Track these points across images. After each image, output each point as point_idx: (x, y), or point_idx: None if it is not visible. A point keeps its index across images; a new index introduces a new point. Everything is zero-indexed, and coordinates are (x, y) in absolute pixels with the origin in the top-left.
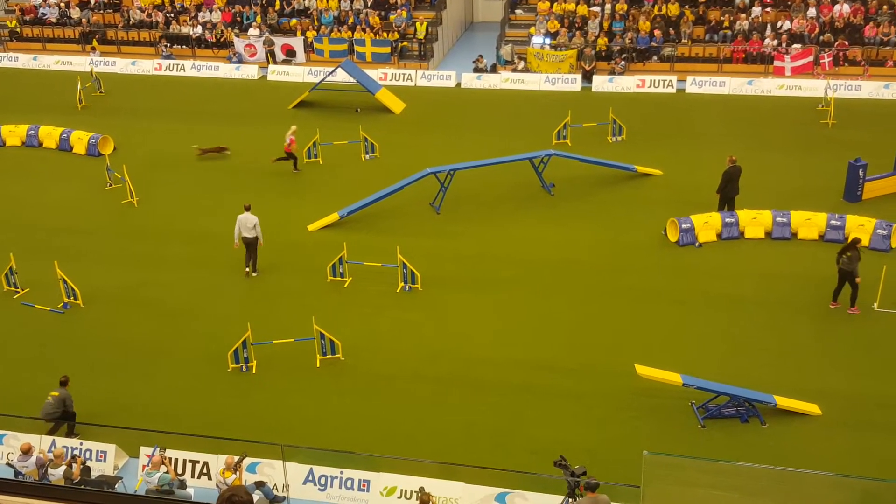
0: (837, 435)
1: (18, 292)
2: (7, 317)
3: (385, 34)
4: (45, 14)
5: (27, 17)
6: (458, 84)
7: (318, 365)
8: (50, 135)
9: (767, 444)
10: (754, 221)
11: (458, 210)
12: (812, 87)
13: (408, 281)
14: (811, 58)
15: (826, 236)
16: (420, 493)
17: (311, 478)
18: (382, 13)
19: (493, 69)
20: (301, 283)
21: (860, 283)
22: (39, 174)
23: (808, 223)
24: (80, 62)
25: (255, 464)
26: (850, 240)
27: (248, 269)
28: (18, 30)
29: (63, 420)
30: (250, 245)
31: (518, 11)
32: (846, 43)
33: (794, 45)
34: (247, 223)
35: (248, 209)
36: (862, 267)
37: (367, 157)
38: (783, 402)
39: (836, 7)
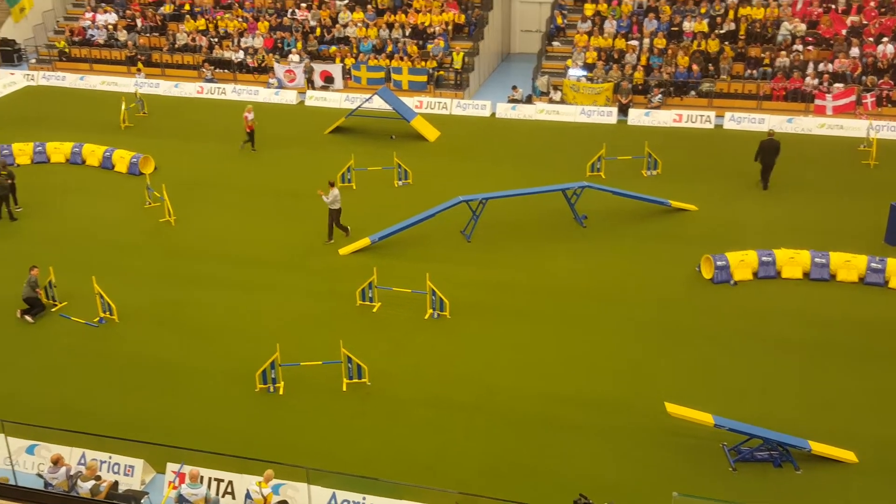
0: (874, 484)
1: (56, 304)
2: (44, 327)
3: (422, 63)
4: (93, 36)
5: (76, 39)
6: (493, 114)
7: (344, 389)
8: (93, 153)
9: (801, 491)
10: (792, 261)
11: (489, 239)
12: (854, 127)
13: (436, 308)
14: (853, 97)
15: (866, 279)
16: None
17: (333, 502)
18: (420, 42)
19: (529, 100)
20: (330, 306)
21: None
22: (82, 191)
23: (848, 265)
24: (125, 83)
25: (279, 485)
26: None
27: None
28: (67, 50)
29: (36, 305)
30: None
31: (555, 43)
32: (890, 83)
33: (836, 85)
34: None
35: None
36: None
37: (400, 183)
38: (818, 447)
39: (880, 47)
